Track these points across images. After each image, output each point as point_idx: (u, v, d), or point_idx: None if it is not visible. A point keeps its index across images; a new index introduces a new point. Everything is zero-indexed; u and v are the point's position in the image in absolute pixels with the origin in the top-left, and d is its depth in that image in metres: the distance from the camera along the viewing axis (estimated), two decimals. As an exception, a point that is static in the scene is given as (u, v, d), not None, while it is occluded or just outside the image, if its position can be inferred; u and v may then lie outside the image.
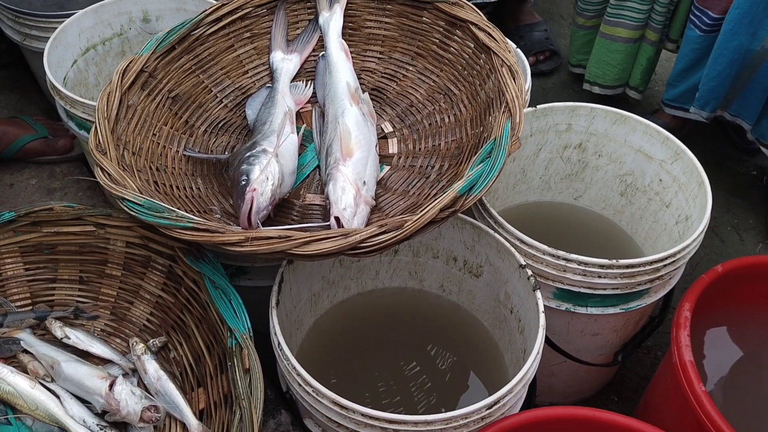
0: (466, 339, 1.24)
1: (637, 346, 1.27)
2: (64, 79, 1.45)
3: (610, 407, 1.40)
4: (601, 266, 1.05)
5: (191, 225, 0.91)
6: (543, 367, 1.24)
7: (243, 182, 0.96)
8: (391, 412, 0.87)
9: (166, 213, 0.93)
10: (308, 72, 1.32)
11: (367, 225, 1.03)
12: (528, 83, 1.35)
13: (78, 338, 1.03)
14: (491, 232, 1.09)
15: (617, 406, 1.40)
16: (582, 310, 1.12)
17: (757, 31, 1.44)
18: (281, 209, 1.11)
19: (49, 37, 1.41)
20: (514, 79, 1.05)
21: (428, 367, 1.23)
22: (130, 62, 1.17)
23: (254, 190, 0.94)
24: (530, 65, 2.08)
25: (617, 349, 1.26)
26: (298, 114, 1.26)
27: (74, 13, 1.47)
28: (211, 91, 1.27)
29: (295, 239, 0.88)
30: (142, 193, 0.98)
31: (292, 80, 1.29)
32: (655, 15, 1.76)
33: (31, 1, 1.66)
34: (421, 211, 0.90)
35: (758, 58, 1.45)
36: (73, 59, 1.48)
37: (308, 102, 1.29)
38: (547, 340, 1.18)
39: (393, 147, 1.21)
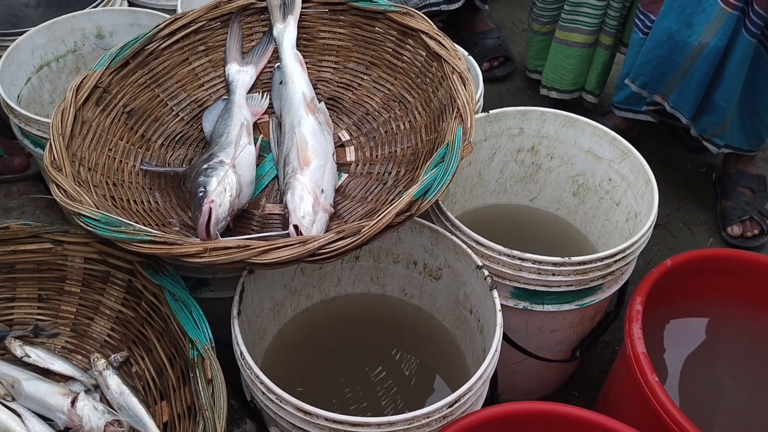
0: (430, 341, 1.27)
1: (593, 341, 1.30)
2: (18, 97, 1.44)
3: (571, 402, 1.42)
4: (555, 264, 1.09)
5: (149, 238, 0.91)
6: (505, 366, 1.27)
7: (200, 194, 0.97)
8: (355, 416, 0.88)
9: (123, 227, 0.93)
10: (264, 83, 1.34)
11: (326, 232, 1.05)
12: (480, 89, 1.38)
13: (38, 356, 1.02)
14: (448, 235, 1.12)
15: (578, 401, 1.44)
16: (539, 307, 1.15)
17: (692, 22, 1.49)
18: (241, 220, 1.12)
19: (1, 56, 1.40)
20: (464, 86, 1.08)
21: (393, 371, 1.25)
22: (84, 78, 1.17)
23: (212, 201, 0.95)
24: (484, 71, 2.14)
25: (575, 345, 1.30)
26: (256, 125, 1.28)
27: (26, 31, 1.46)
28: (167, 104, 1.28)
29: (254, 248, 0.89)
30: (98, 209, 0.98)
31: (249, 92, 1.31)
32: (608, 20, 1.81)
33: (-19, 20, 1.64)
34: (377, 216, 0.92)
35: (696, 52, 1.51)
36: (26, 77, 1.47)
37: (265, 113, 1.30)
38: (507, 339, 1.21)
39: (350, 155, 1.23)
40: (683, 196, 1.88)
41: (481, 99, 1.39)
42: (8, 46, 1.43)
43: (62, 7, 1.69)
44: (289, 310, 1.23)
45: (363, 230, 0.91)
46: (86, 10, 1.52)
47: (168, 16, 1.49)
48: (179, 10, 1.56)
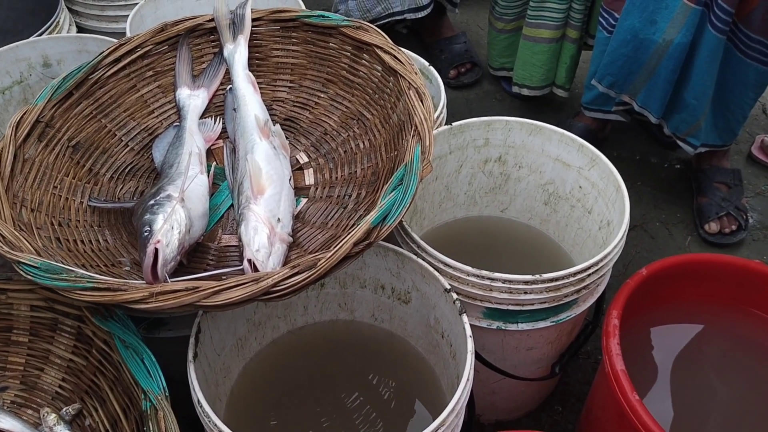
0: (405, 366, 1.22)
1: (573, 356, 1.26)
2: (-39, 133, 1.38)
3: (554, 417, 1.39)
4: (526, 282, 1.04)
5: (91, 285, 0.86)
6: (483, 386, 1.23)
7: (146, 233, 0.92)
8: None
9: (65, 274, 0.87)
10: (218, 107, 1.28)
11: (284, 263, 1.00)
12: (442, 101, 1.34)
13: (-16, 414, 0.96)
14: (414, 257, 1.07)
15: (562, 416, 1.40)
16: (513, 327, 1.11)
17: (655, 20, 1.46)
18: (196, 254, 1.07)
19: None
20: (422, 102, 1.04)
21: (371, 396, 1.20)
22: (24, 113, 1.11)
23: (158, 241, 0.89)
24: (452, 78, 2.10)
25: (554, 361, 1.26)
26: (210, 151, 1.22)
27: (-34, 64, 1.39)
28: (116, 135, 1.22)
29: (203, 290, 0.84)
30: (40, 254, 0.92)
31: (201, 116, 1.25)
32: (573, 13, 1.78)
33: None
34: (334, 248, 0.87)
35: (661, 50, 1.48)
36: (-31, 112, 1.40)
37: (219, 137, 1.25)
38: (483, 360, 1.16)
39: (309, 178, 1.18)
40: (659, 195, 1.85)
41: (444, 110, 1.35)
42: (-52, 81, 1.37)
43: (8, 36, 1.63)
44: (254, 344, 1.18)
45: (319, 263, 0.86)
46: (30, 39, 1.46)
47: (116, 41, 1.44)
48: (128, 35, 1.50)
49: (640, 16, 1.46)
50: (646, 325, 1.29)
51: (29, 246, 0.93)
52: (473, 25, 2.38)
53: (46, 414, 0.95)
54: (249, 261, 0.93)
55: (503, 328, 1.11)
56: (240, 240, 0.98)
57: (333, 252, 0.87)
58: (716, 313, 1.27)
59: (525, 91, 1.97)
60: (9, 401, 1.01)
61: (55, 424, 0.93)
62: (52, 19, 1.54)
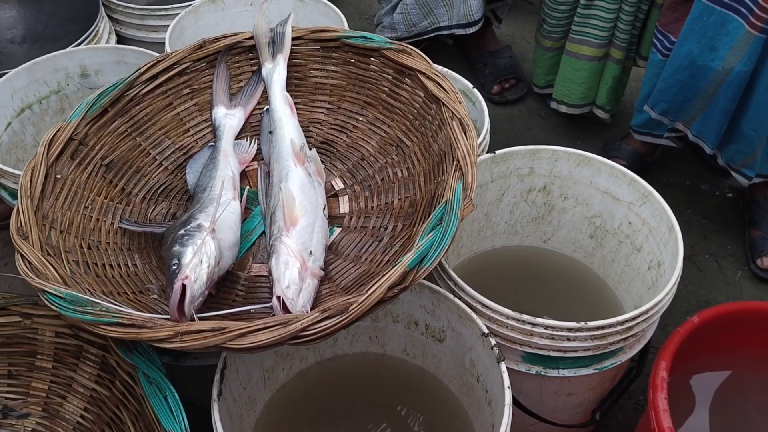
0: (436, 404, 1.17)
1: (615, 402, 1.20)
2: (-3, 143, 1.37)
3: (592, 461, 1.33)
4: (570, 329, 0.98)
5: (116, 320, 0.82)
6: (517, 428, 1.17)
7: (174, 267, 0.88)
8: None
9: (90, 307, 0.84)
10: (254, 126, 1.25)
11: (315, 299, 0.96)
12: (485, 126, 1.28)
13: (5, 442, 0.94)
14: (451, 297, 1.02)
15: (600, 460, 1.33)
16: (553, 372, 1.05)
17: (715, 46, 1.38)
18: (225, 283, 1.04)
19: (-22, 101, 1.33)
20: (465, 134, 0.99)
21: (400, 428, 1.16)
22: (58, 131, 1.09)
23: (186, 277, 0.86)
24: (495, 94, 2.04)
25: (595, 406, 1.19)
26: (244, 173, 1.19)
27: (5, 73, 1.38)
28: (150, 153, 1.19)
29: (230, 332, 0.80)
30: (66, 283, 0.90)
31: (237, 136, 1.22)
32: (618, 33, 1.71)
33: (-37, 61, 1.58)
34: (367, 291, 0.83)
35: (720, 78, 1.40)
36: (6, 122, 1.39)
37: (254, 159, 1.21)
38: (519, 405, 1.11)
39: (344, 206, 1.14)
40: (709, 225, 1.76)
41: (487, 137, 1.29)
42: (-14, 91, 1.36)
43: (48, 43, 1.63)
44: (282, 376, 1.14)
45: (351, 308, 0.82)
46: (68, 49, 1.44)
47: (155, 54, 1.41)
48: (167, 46, 1.48)
49: (699, 42, 1.38)
50: (689, 372, 1.22)
51: (55, 273, 0.90)
52: (519, 38, 2.31)
53: (66, 446, 0.93)
54: (278, 298, 0.89)
55: (542, 373, 1.05)
56: (270, 274, 0.94)
57: (366, 296, 0.82)
58: (764, 362, 1.20)
59: (563, 108, 1.90)
60: (30, 429, 0.99)
61: (74, 458, 0.91)
62: (92, 27, 1.53)
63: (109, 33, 1.62)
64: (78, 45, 1.47)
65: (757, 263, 1.63)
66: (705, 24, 1.37)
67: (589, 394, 1.14)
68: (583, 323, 0.98)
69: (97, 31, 1.55)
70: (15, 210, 0.99)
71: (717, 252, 1.71)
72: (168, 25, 1.54)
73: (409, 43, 1.17)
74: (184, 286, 0.85)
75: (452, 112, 1.02)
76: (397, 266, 0.84)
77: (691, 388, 1.23)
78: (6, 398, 1.00)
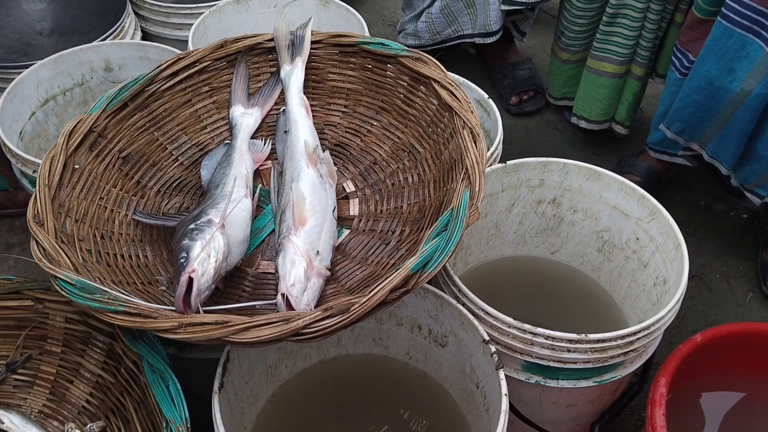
0: (436, 408, 1.18)
1: (615, 416, 1.20)
2: (21, 132, 1.40)
3: (590, 476, 1.32)
4: (570, 341, 0.99)
5: (123, 309, 0.85)
6: (516, 438, 1.18)
7: (182, 260, 0.90)
8: None
9: (98, 294, 0.87)
10: (270, 126, 1.27)
11: (320, 298, 0.97)
12: (499, 136, 1.29)
13: (12, 422, 0.97)
14: (454, 302, 1.03)
15: (598, 475, 1.33)
16: (553, 383, 1.06)
17: (734, 68, 1.38)
18: (232, 279, 1.06)
19: (5, 89, 1.36)
20: (475, 143, 1.00)
21: (400, 430, 1.17)
22: (78, 122, 1.11)
23: (193, 271, 0.88)
24: (514, 105, 2.05)
25: (595, 419, 1.19)
26: (257, 172, 1.21)
27: (32, 64, 1.42)
28: (166, 148, 1.22)
29: (232, 326, 0.82)
30: (77, 270, 0.92)
31: (252, 136, 1.24)
32: (640, 50, 1.71)
33: (-7, 48, 1.62)
34: (370, 292, 0.84)
35: (738, 99, 1.40)
36: (30, 111, 1.43)
37: (268, 158, 1.23)
38: (518, 414, 1.11)
39: (354, 208, 1.15)
40: (722, 245, 1.75)
41: (500, 147, 1.30)
42: (13, 79, 1.39)
43: (75, 36, 1.66)
44: (285, 372, 1.16)
45: (353, 308, 0.83)
46: (94, 43, 1.48)
47: (177, 51, 1.44)
48: (190, 44, 1.51)
49: (718, 63, 1.38)
50: (698, 390, 1.22)
51: (68, 260, 0.93)
52: (540, 51, 2.32)
53: (70, 429, 0.95)
54: (283, 295, 0.91)
55: (542, 383, 1.06)
56: (277, 271, 0.96)
57: (368, 297, 0.84)
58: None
59: (583, 123, 1.90)
60: (37, 410, 1.01)
61: (78, 441, 0.93)
62: (119, 23, 1.56)
63: (135, 29, 1.65)
64: (104, 39, 1.50)
65: (768, 286, 1.62)
66: (724, 46, 1.37)
67: (588, 406, 1.14)
68: (583, 335, 0.98)
69: (123, 26, 1.58)
70: (33, 197, 1.01)
71: (728, 272, 1.70)
72: (192, 24, 1.57)
73: (427, 51, 1.18)
74: (190, 279, 0.87)
75: (464, 121, 1.04)
76: (400, 270, 0.86)
77: (701, 407, 1.23)
78: (15, 379, 1.03)
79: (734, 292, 1.66)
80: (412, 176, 1.14)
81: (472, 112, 1.04)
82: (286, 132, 1.18)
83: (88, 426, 0.97)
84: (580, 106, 1.89)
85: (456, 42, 1.97)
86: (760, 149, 1.44)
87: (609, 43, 1.73)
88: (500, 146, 1.29)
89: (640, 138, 1.94)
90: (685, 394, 1.20)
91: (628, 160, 1.84)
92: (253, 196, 1.13)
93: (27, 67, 1.41)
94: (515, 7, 1.81)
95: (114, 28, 1.56)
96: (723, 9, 1.36)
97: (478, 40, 1.92)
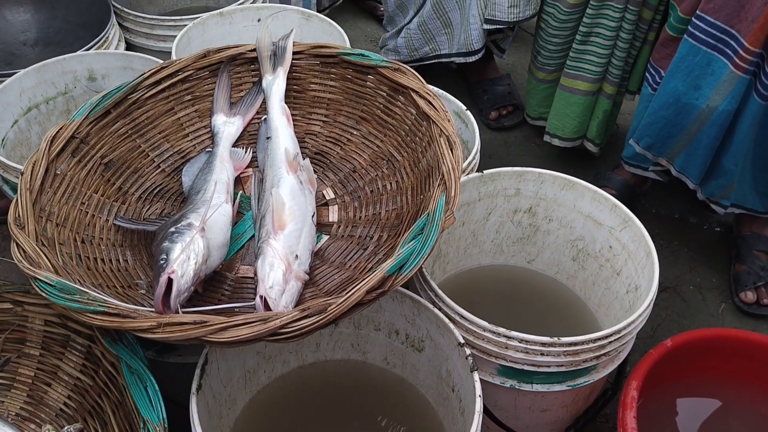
0: (413, 415, 1.19)
1: (589, 421, 1.22)
2: (3, 139, 1.41)
3: (566, 482, 1.34)
4: (543, 344, 1.01)
5: (102, 309, 0.86)
6: (492, 443, 1.19)
7: (161, 261, 0.92)
8: None
9: (78, 295, 0.88)
10: (252, 135, 1.29)
11: (298, 301, 0.99)
12: (476, 147, 1.32)
13: (-12, 425, 0.97)
14: (430, 306, 1.05)
15: (573, 481, 1.34)
16: (527, 387, 1.08)
17: (700, 85, 1.42)
18: (212, 283, 1.07)
19: (-14, 97, 1.38)
20: (451, 150, 1.02)
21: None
22: (60, 129, 1.13)
23: (172, 272, 0.89)
24: (492, 120, 2.08)
25: (569, 424, 1.21)
26: (238, 179, 1.23)
27: (15, 73, 1.43)
28: (148, 155, 1.23)
29: (211, 325, 0.83)
30: (58, 272, 0.93)
31: (235, 144, 1.26)
32: (612, 68, 1.75)
33: (-25, 58, 1.63)
34: (346, 293, 0.86)
35: (704, 116, 1.44)
36: (13, 119, 1.44)
37: (249, 166, 1.25)
38: (493, 418, 1.13)
39: (333, 215, 1.17)
40: (695, 257, 1.79)
41: (477, 156, 1.33)
42: (-4, 88, 1.40)
43: (59, 47, 1.68)
44: (263, 377, 1.17)
45: (330, 309, 0.85)
46: (78, 52, 1.49)
47: (161, 61, 1.46)
48: (174, 55, 1.53)
49: (684, 80, 1.42)
50: (672, 396, 1.24)
51: (48, 263, 0.94)
52: (519, 68, 2.36)
53: (48, 431, 0.95)
54: (261, 297, 0.92)
55: (517, 387, 1.08)
56: (255, 274, 0.97)
57: (345, 298, 0.85)
58: (747, 391, 1.22)
59: (556, 141, 1.93)
60: (14, 413, 1.01)
61: (54, 443, 0.93)
62: (102, 34, 1.57)
63: (119, 40, 1.67)
64: (88, 49, 1.52)
65: (740, 297, 1.65)
66: (691, 63, 1.41)
67: (562, 411, 1.16)
68: (556, 338, 1.01)
69: (107, 37, 1.60)
70: (14, 201, 1.02)
71: (702, 284, 1.73)
72: (176, 36, 1.59)
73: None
74: (170, 280, 0.88)
75: (441, 129, 1.06)
76: (377, 272, 0.87)
77: (676, 414, 1.25)
78: (-8, 383, 1.03)
79: (707, 303, 1.69)
80: (391, 184, 1.17)
81: (448, 121, 1.07)
82: (267, 139, 1.20)
83: (66, 428, 0.97)
84: (553, 124, 1.92)
85: (434, 61, 2.00)
86: (725, 164, 1.48)
87: (582, 61, 1.77)
88: (477, 156, 1.32)
89: (616, 153, 1.98)
90: (659, 400, 1.22)
91: (604, 173, 1.87)
92: (234, 202, 1.15)
93: (10, 75, 1.43)
94: (497, 27, 1.85)
95: (98, 39, 1.57)
96: (689, 27, 1.41)
97: (458, 60, 1.96)
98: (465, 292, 1.38)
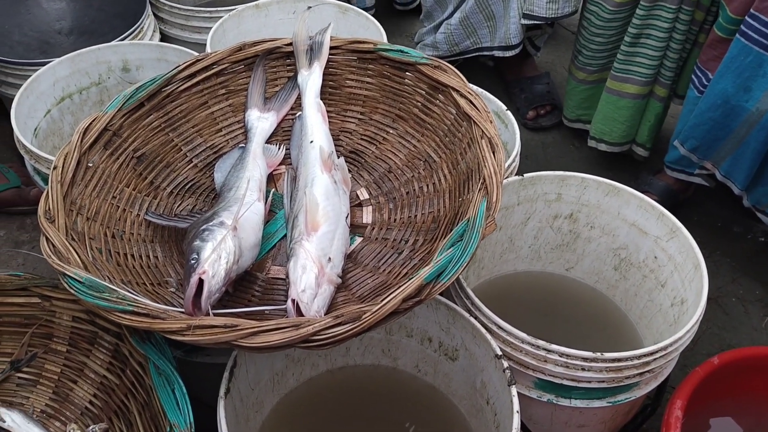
0: (443, 424, 1.16)
1: (627, 438, 1.17)
2: (36, 129, 1.40)
3: (599, 499, 1.29)
4: (585, 359, 0.97)
5: (131, 309, 0.83)
6: (525, 457, 1.15)
7: (192, 261, 0.89)
8: None
9: (107, 293, 0.85)
10: (285, 131, 1.26)
11: (330, 306, 0.96)
12: (516, 149, 1.27)
13: (13, 421, 0.95)
14: (466, 315, 1.01)
15: (607, 498, 1.30)
16: (565, 402, 1.03)
17: (750, 87, 1.36)
18: (242, 283, 1.04)
19: (21, 86, 1.36)
20: (493, 153, 0.98)
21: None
22: (93, 120, 1.11)
23: (203, 272, 0.86)
24: (530, 119, 2.03)
25: (606, 441, 1.17)
26: (270, 176, 1.20)
27: (49, 62, 1.42)
28: (181, 149, 1.21)
29: (241, 329, 0.80)
30: (87, 268, 0.91)
31: (268, 140, 1.23)
32: (664, 70, 1.68)
33: (12, 45, 1.62)
34: (382, 301, 0.82)
35: (753, 119, 1.37)
36: (46, 109, 1.43)
37: (282, 163, 1.22)
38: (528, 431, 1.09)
39: (367, 216, 1.14)
40: (739, 268, 1.72)
41: (517, 159, 1.28)
42: (30, 76, 1.39)
43: (94, 37, 1.66)
44: (291, 380, 1.14)
45: (364, 317, 0.81)
46: (112, 42, 1.48)
47: (194, 53, 1.44)
48: (209, 47, 1.51)
49: (734, 81, 1.36)
50: (707, 414, 1.19)
51: (77, 258, 0.92)
52: (558, 66, 2.30)
53: (72, 430, 0.93)
54: (293, 301, 0.89)
55: (554, 402, 1.03)
56: (287, 276, 0.94)
57: (380, 306, 0.82)
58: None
59: (603, 146, 1.87)
60: (39, 410, 1.00)
61: (79, 443, 0.92)
62: (137, 24, 1.56)
63: (154, 31, 1.65)
64: (122, 40, 1.50)
65: (785, 311, 1.58)
66: (742, 63, 1.35)
67: (600, 427, 1.12)
68: (599, 354, 0.96)
69: (142, 28, 1.58)
70: (44, 194, 1.00)
71: (744, 296, 1.67)
72: (211, 27, 1.56)
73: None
74: (201, 281, 0.86)
75: (483, 131, 1.02)
76: (414, 279, 0.84)
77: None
78: (19, 378, 1.01)
79: (750, 316, 1.63)
80: (428, 186, 1.13)
81: (490, 122, 1.02)
82: (312, 141, 1.16)
83: (91, 428, 0.95)
84: (599, 128, 1.85)
85: (474, 54, 1.96)
86: (775, 170, 1.42)
87: (632, 63, 1.70)
88: (517, 159, 1.28)
89: (658, 156, 1.92)
90: (694, 419, 1.17)
91: (646, 178, 1.81)
92: (266, 200, 1.12)
93: (44, 64, 1.41)
94: (535, 22, 1.79)
95: (133, 30, 1.56)
96: (742, 26, 1.35)
97: (498, 53, 1.91)
98: (500, 298, 1.34)
